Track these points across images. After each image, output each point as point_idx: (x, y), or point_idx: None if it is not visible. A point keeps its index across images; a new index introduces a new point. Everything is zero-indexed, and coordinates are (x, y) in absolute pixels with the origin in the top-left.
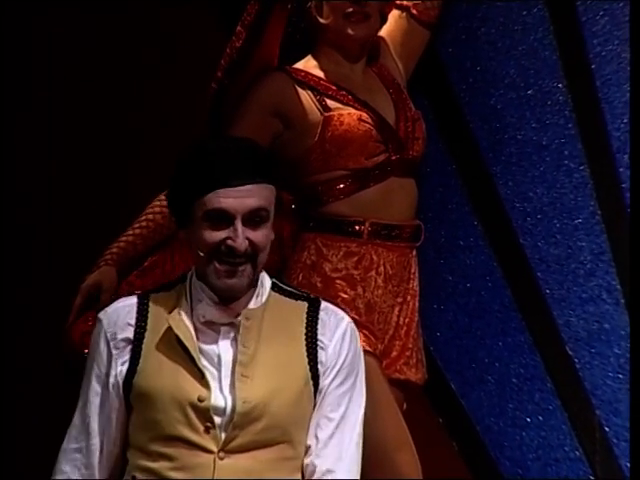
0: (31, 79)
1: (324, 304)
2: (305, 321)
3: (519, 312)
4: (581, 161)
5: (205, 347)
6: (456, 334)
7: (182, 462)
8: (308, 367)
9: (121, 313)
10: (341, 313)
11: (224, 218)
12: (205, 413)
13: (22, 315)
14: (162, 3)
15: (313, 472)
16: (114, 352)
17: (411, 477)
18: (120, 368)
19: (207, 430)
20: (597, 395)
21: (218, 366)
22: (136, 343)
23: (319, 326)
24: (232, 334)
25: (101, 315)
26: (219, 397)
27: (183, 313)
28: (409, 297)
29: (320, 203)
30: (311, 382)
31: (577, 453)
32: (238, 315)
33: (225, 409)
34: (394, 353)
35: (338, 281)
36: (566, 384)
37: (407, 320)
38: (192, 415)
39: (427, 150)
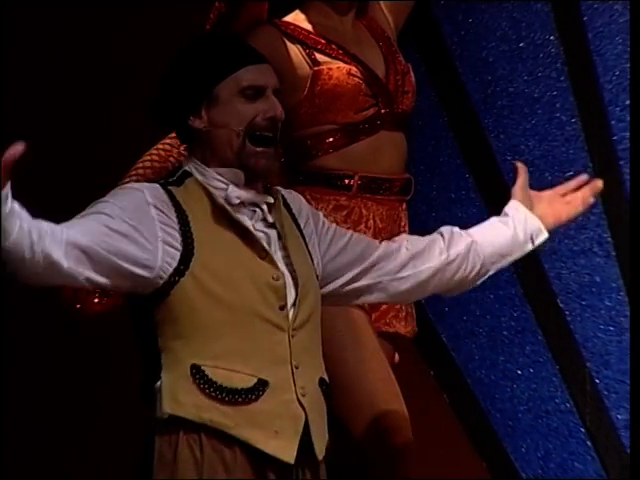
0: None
1: (280, 189)
2: (283, 206)
3: (510, 265)
4: (573, 114)
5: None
6: None
7: (257, 341)
8: (306, 247)
9: (159, 193)
10: (293, 192)
11: (258, 92)
12: (280, 291)
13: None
14: None
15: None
16: (162, 226)
17: (400, 429)
18: (168, 250)
19: (281, 308)
20: (588, 347)
21: (269, 245)
22: (184, 229)
23: (291, 207)
24: (260, 213)
25: (137, 185)
26: (285, 274)
27: (211, 203)
28: None
29: (309, 157)
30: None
31: (568, 405)
32: (264, 195)
33: (291, 285)
34: (384, 306)
35: None
36: (557, 336)
37: None
38: (268, 294)
39: (419, 103)
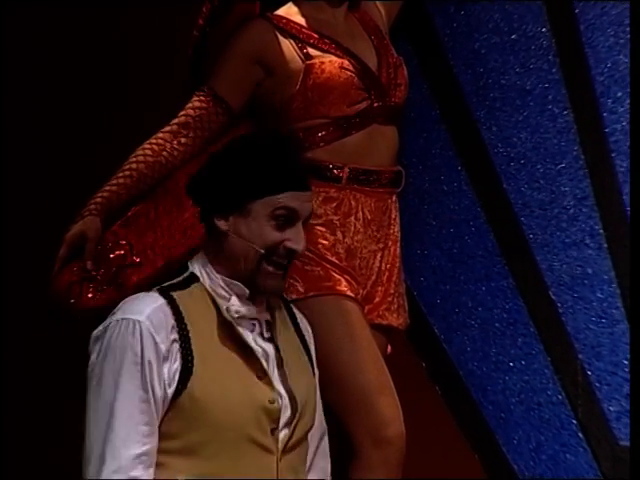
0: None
1: (289, 303)
2: (288, 316)
3: (502, 257)
4: (565, 106)
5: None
6: (440, 279)
7: (246, 464)
8: (309, 362)
9: (160, 314)
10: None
11: (289, 220)
12: (274, 414)
13: (6, 266)
14: None
15: None
16: (165, 355)
17: (393, 421)
18: (171, 372)
19: (272, 431)
20: (580, 339)
21: (267, 362)
22: (184, 345)
23: (298, 321)
24: (260, 329)
25: (136, 317)
26: (282, 395)
27: (216, 311)
28: (390, 243)
29: (301, 150)
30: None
31: (559, 397)
32: (265, 311)
33: (287, 407)
34: (376, 299)
35: (318, 227)
36: (549, 328)
37: (389, 266)
38: (262, 417)
39: (411, 95)
